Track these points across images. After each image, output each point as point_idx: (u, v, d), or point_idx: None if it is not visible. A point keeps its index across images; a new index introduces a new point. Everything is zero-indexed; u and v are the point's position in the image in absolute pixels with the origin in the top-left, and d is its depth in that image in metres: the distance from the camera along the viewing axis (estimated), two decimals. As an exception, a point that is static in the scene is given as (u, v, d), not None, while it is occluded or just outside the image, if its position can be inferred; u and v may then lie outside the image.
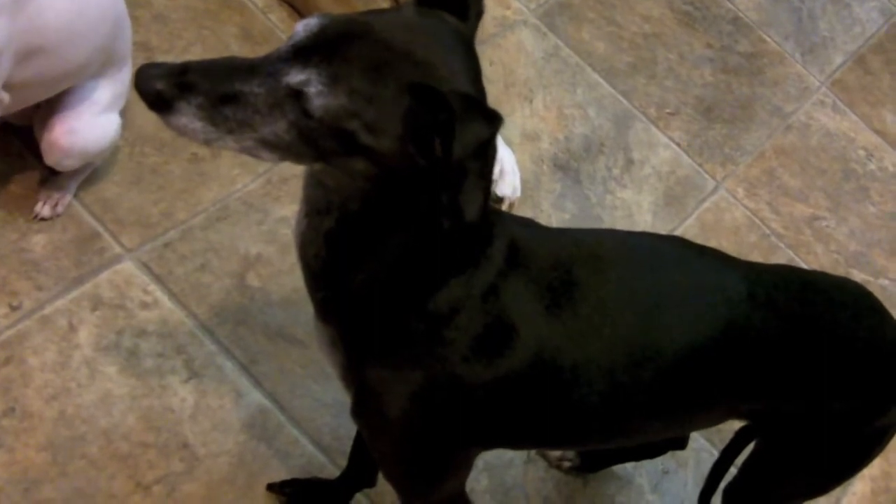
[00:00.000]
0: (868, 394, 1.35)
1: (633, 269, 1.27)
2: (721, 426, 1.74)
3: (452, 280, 1.12)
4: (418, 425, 1.21)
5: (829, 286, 1.43)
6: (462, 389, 1.17)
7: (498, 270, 1.15)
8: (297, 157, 1.03)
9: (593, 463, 1.80)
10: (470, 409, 1.20)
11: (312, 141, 1.00)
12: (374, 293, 1.14)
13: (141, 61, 1.99)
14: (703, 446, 1.92)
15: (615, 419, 1.28)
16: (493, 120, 0.97)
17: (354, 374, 1.21)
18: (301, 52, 0.98)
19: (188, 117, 0.99)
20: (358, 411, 1.24)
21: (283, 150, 1.02)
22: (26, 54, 1.51)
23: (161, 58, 2.06)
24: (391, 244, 1.09)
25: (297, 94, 0.97)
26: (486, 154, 1.01)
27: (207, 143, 1.02)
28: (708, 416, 1.40)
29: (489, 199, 1.11)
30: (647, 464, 1.84)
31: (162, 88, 0.98)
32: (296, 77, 0.97)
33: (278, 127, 0.99)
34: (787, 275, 1.44)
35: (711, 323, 1.27)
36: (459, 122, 0.93)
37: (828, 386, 1.33)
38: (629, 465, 1.83)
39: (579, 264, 1.23)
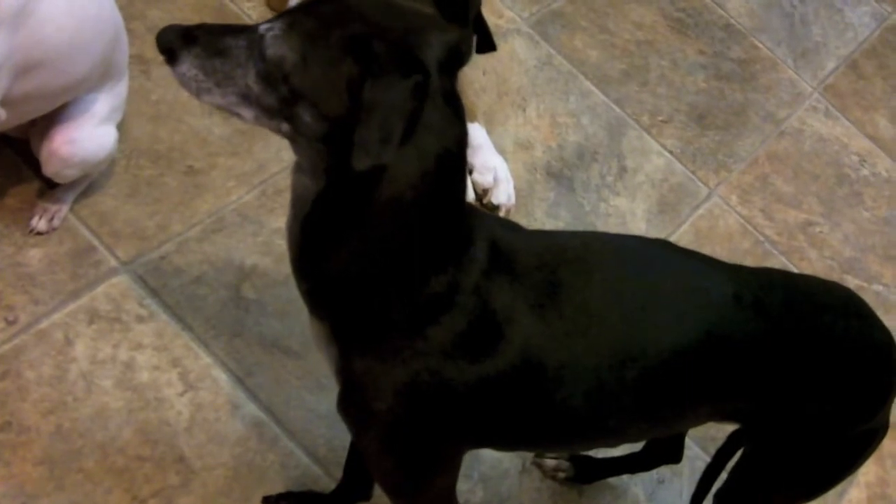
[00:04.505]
0: (855, 397, 1.35)
1: (619, 271, 1.29)
2: (715, 433, 1.76)
3: (433, 278, 1.14)
4: (403, 420, 1.22)
5: (816, 289, 1.44)
6: (446, 386, 1.19)
7: (481, 269, 1.17)
8: (268, 114, 1.10)
9: (588, 474, 1.81)
10: (454, 406, 1.21)
11: (273, 89, 1.07)
12: (353, 282, 1.16)
13: (136, 74, 2.02)
14: (698, 454, 1.93)
15: (600, 419, 1.30)
16: (412, 71, 1.02)
17: (344, 366, 1.23)
18: (282, 13, 1.09)
19: (187, 65, 1.10)
20: (343, 404, 1.26)
21: (256, 105, 1.10)
22: (26, 68, 1.52)
23: (156, 70, 2.07)
24: (359, 227, 1.12)
25: (261, 39, 1.07)
26: (411, 106, 1.03)
27: (199, 94, 1.12)
28: (692, 417, 1.40)
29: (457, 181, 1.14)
30: (641, 473, 1.85)
31: (172, 39, 1.11)
32: (265, 26, 1.08)
33: (249, 77, 1.08)
34: (774, 277, 1.45)
35: (697, 323, 1.28)
36: (380, 69, 1.01)
37: (814, 389, 1.34)
38: (624, 476, 1.84)
39: (564, 265, 1.25)
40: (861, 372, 1.35)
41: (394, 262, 1.13)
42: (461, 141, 1.12)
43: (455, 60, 1.12)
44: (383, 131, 1.01)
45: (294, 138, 1.12)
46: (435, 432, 1.24)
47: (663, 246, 1.41)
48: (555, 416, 1.26)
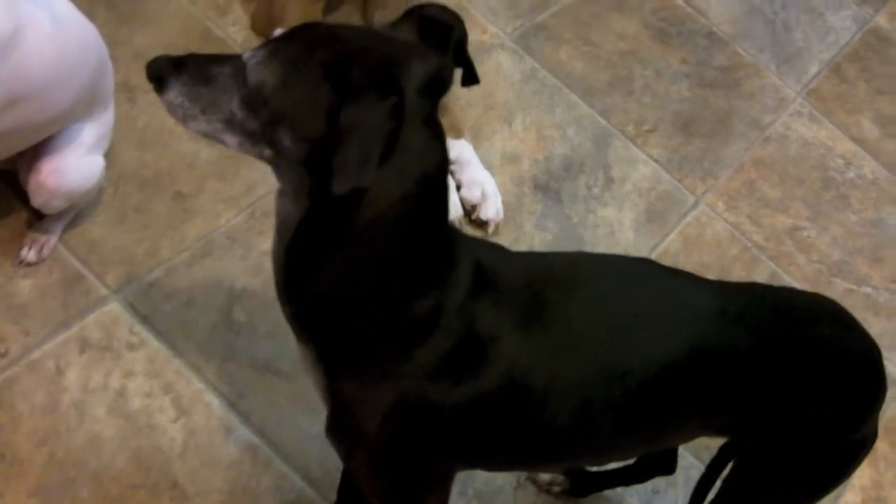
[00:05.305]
0: (842, 408, 1.36)
1: (604, 289, 1.30)
2: (709, 442, 1.76)
3: (417, 300, 1.15)
4: (391, 442, 1.23)
5: (800, 302, 1.45)
6: (432, 408, 1.19)
7: (466, 291, 1.18)
8: (251, 140, 1.12)
9: (583, 487, 1.81)
10: (442, 427, 1.22)
11: (256, 115, 1.09)
12: (338, 305, 1.17)
13: (122, 101, 2.03)
14: (693, 464, 1.93)
15: (588, 436, 1.30)
16: (387, 94, 1.03)
17: (331, 389, 1.24)
18: (267, 41, 1.13)
19: (174, 93, 1.13)
20: (332, 428, 1.26)
21: (240, 131, 1.12)
22: (11, 102, 1.52)
23: (142, 96, 2.08)
24: (342, 250, 1.13)
25: (245, 66, 1.09)
26: (389, 127, 1.04)
27: (185, 121, 1.14)
28: (681, 432, 1.41)
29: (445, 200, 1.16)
30: (636, 485, 1.85)
31: (162, 67, 1.14)
32: (248, 54, 1.12)
33: (234, 103, 1.11)
34: (759, 292, 1.46)
35: (683, 339, 1.29)
36: (358, 91, 1.02)
37: (801, 401, 1.34)
38: (619, 488, 1.85)
39: (549, 285, 1.26)
40: (848, 382, 1.36)
41: (377, 284, 1.14)
42: (441, 164, 1.13)
43: (435, 86, 1.13)
44: (362, 154, 1.02)
45: (276, 163, 1.14)
46: (424, 453, 1.25)
47: (647, 264, 1.42)
48: (543, 434, 1.27)
